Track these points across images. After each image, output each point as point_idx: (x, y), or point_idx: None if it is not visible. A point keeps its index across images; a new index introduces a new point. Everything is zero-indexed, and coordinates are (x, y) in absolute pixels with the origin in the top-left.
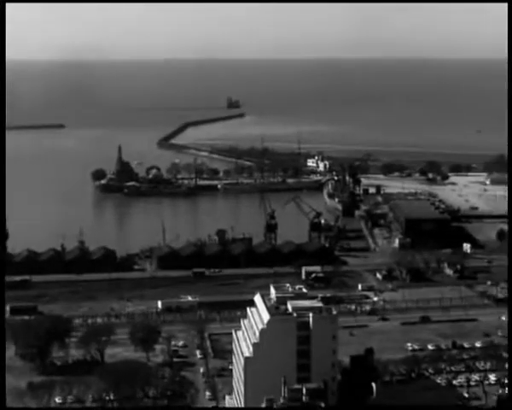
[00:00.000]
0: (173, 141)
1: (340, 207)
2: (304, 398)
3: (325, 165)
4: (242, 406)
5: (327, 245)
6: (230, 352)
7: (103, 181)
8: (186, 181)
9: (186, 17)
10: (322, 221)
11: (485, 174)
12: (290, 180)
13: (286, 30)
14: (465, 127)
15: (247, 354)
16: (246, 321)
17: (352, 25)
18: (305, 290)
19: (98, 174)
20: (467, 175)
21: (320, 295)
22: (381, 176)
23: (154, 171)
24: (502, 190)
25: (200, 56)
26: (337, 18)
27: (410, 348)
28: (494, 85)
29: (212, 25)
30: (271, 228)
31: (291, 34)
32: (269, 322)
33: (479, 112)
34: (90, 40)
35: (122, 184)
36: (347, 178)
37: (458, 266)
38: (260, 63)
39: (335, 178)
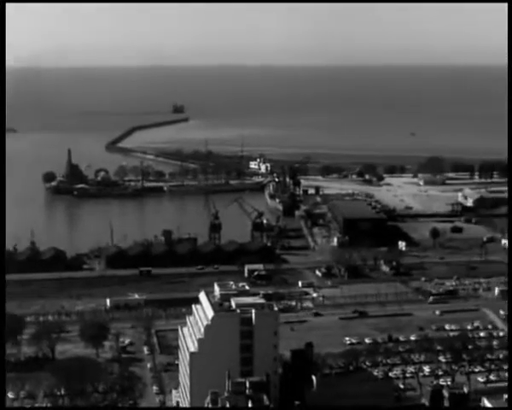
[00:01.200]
0: (120, 144)
1: (280, 207)
2: (247, 391)
3: (267, 167)
4: (188, 400)
5: (269, 244)
6: (176, 348)
7: (54, 183)
8: (133, 183)
9: (135, 23)
10: (264, 221)
11: (418, 175)
12: (233, 182)
13: (250, 35)
14: (401, 130)
15: (192, 349)
16: (191, 318)
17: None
18: (247, 288)
19: (49, 177)
20: (401, 176)
21: (262, 292)
22: (320, 177)
23: (102, 173)
24: (434, 190)
25: (148, 63)
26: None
27: (348, 342)
28: (447, 90)
29: (158, 31)
30: (215, 228)
31: (253, 39)
32: (213, 318)
33: (418, 116)
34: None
35: (72, 187)
36: (288, 179)
37: (394, 263)
38: (210, 70)
39: (276, 179)
